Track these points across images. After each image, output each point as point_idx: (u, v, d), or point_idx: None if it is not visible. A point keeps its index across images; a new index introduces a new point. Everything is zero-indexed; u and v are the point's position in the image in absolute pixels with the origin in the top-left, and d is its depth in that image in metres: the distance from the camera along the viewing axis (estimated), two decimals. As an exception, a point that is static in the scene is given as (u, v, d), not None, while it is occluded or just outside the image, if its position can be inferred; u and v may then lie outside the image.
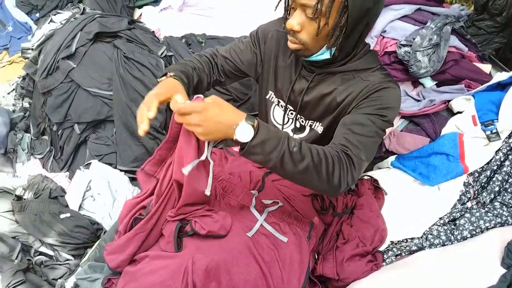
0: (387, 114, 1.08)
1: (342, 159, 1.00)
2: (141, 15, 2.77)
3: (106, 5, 2.64)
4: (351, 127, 1.06)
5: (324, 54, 1.10)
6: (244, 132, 0.89)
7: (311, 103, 1.23)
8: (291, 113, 1.31)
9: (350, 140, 1.04)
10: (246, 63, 1.34)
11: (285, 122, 1.34)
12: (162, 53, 2.02)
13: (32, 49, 2.36)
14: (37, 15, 3.38)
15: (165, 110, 1.93)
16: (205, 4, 2.49)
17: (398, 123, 1.74)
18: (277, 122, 1.38)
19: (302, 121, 1.30)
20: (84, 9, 2.26)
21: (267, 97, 1.36)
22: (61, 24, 2.28)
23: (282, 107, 1.32)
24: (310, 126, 1.29)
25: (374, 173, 1.63)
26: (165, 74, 1.17)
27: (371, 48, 1.66)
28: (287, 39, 1.11)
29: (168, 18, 2.53)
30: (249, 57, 1.33)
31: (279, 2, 1.10)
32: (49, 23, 2.44)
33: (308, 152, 0.95)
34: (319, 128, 1.27)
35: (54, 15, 2.46)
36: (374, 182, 1.55)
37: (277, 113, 1.36)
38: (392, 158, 1.66)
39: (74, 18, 2.10)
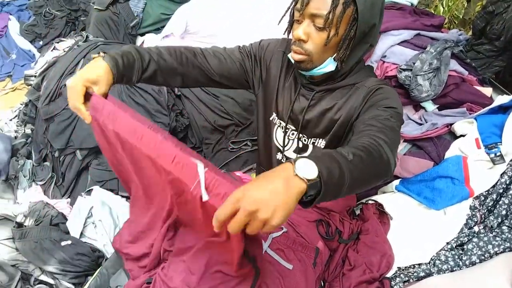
0: (395, 105, 1.05)
1: (383, 146, 0.89)
2: (143, 42, 2.80)
3: (109, 33, 2.67)
4: (369, 122, 0.99)
5: (328, 66, 1.10)
6: (306, 167, 0.71)
7: (313, 121, 1.24)
8: (292, 134, 1.31)
9: (377, 130, 0.94)
10: (224, 71, 1.27)
11: (286, 144, 1.34)
12: (165, 79, 2.04)
13: (35, 76, 2.39)
14: (41, 43, 3.44)
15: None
16: (207, 32, 2.53)
17: (401, 147, 1.73)
18: (279, 144, 1.37)
19: (305, 140, 1.30)
20: (87, 36, 2.29)
21: (270, 118, 1.35)
22: (64, 51, 2.31)
23: (283, 128, 1.32)
24: (313, 143, 1.29)
25: (379, 198, 1.62)
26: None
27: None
28: (289, 61, 1.13)
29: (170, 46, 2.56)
30: (232, 66, 1.28)
31: (284, 15, 1.11)
32: (52, 50, 2.48)
33: (357, 151, 0.82)
34: (321, 144, 1.28)
35: (57, 42, 2.50)
36: (379, 206, 1.53)
37: (279, 135, 1.36)
38: (396, 182, 1.65)
39: (77, 46, 2.13)
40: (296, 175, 0.68)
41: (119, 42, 2.34)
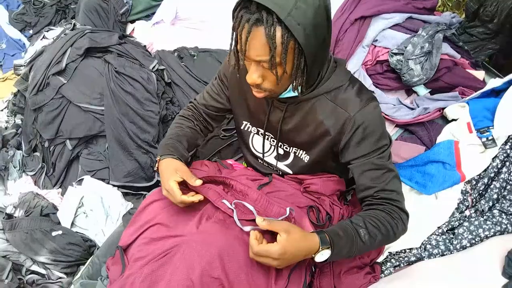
0: (383, 143, 1.14)
1: (395, 210, 1.13)
2: (133, 29, 2.77)
3: (98, 20, 2.63)
4: (373, 178, 1.13)
5: (290, 93, 1.10)
6: (323, 256, 1.02)
7: (293, 131, 1.23)
8: (273, 141, 1.31)
9: (386, 189, 1.13)
10: (224, 102, 1.37)
11: (266, 150, 1.35)
12: (154, 67, 2.01)
13: (24, 65, 2.36)
14: (31, 31, 3.39)
15: (157, 124, 1.91)
16: (197, 18, 2.50)
17: (393, 131, 1.72)
18: (257, 151, 1.38)
19: (286, 148, 1.30)
20: (74, 24, 2.25)
21: (242, 127, 1.36)
22: (53, 40, 2.28)
23: (261, 135, 1.32)
24: (295, 153, 1.30)
25: (370, 183, 1.61)
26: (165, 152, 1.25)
27: (363, 55, 1.68)
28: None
29: (161, 32, 2.53)
30: (223, 96, 1.35)
31: (229, 55, 1.09)
32: (41, 39, 2.44)
33: (374, 229, 1.08)
34: (304, 157, 1.28)
35: (47, 31, 2.47)
36: (370, 192, 1.53)
37: (256, 142, 1.37)
38: (387, 167, 1.64)
39: (64, 34, 2.10)
40: (313, 257, 1.02)
41: (108, 29, 2.30)
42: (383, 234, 1.08)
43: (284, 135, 1.25)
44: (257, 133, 1.33)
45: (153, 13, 2.69)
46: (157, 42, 2.47)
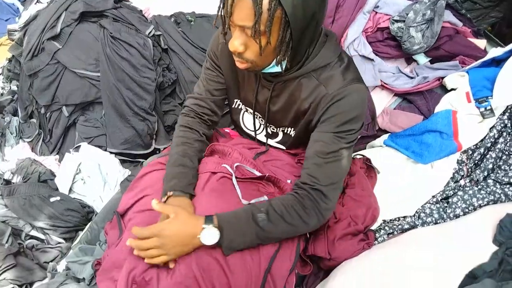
0: (351, 127, 1.08)
1: (311, 197, 1.07)
2: (129, -6, 2.71)
3: (93, -17, 2.57)
4: (318, 152, 1.08)
5: (274, 68, 1.06)
6: (210, 235, 0.97)
7: (280, 112, 1.21)
8: (261, 120, 1.29)
9: (318, 171, 1.08)
10: (223, 81, 1.31)
11: (257, 128, 1.33)
12: (150, 32, 1.98)
13: (18, 30, 2.31)
14: (24, -4, 3.32)
15: (154, 91, 1.90)
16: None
17: (392, 100, 1.72)
18: (248, 129, 1.37)
19: (273, 128, 1.29)
20: (69, -12, 2.19)
21: (233, 106, 1.34)
22: (48, 4, 2.23)
23: (250, 113, 1.30)
24: (283, 131, 1.29)
25: (367, 152, 1.62)
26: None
27: (364, 22, 1.65)
28: None
29: (158, -3, 2.48)
30: (221, 75, 1.29)
31: (216, 19, 1.02)
32: (35, 3, 2.39)
33: (276, 214, 1.04)
34: (292, 133, 1.27)
35: (41, -5, 2.41)
36: (366, 161, 1.53)
37: (247, 120, 1.35)
38: (385, 136, 1.65)
39: (58, -2, 2.05)
40: (199, 238, 0.96)
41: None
42: (287, 222, 1.04)
43: (271, 116, 1.24)
44: (247, 111, 1.32)
45: (150, -23, 2.62)
46: (154, 7, 2.42)
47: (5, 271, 1.44)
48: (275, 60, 1.01)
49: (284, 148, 1.38)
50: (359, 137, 1.71)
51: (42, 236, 1.64)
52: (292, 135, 1.28)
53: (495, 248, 1.12)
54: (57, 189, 1.76)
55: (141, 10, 2.25)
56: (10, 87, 2.36)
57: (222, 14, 0.96)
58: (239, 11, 0.90)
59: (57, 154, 1.99)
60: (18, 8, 3.29)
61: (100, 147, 1.91)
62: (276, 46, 0.95)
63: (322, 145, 1.08)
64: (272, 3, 0.87)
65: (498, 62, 1.57)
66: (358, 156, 1.57)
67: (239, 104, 1.32)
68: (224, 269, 0.99)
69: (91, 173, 1.78)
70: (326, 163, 1.07)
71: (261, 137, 1.37)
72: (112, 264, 1.05)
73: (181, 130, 1.31)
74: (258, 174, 1.23)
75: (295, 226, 1.06)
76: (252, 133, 1.37)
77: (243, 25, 0.92)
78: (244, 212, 1.03)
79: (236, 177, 1.19)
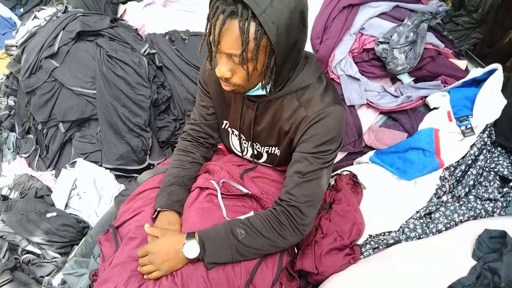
0: (328, 148, 1.13)
1: (287, 214, 1.13)
2: (125, 10, 2.76)
3: (90, 1, 2.61)
4: (297, 172, 1.14)
5: (259, 91, 1.12)
6: (191, 249, 1.06)
7: (264, 131, 1.26)
8: (245, 142, 1.35)
9: (295, 189, 1.13)
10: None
11: (243, 150, 1.39)
12: (145, 51, 2.03)
13: (16, 46, 2.36)
14: (21, 10, 3.36)
15: (149, 108, 1.95)
16: (189, 0, 2.50)
17: (377, 118, 1.77)
18: (237, 150, 1.43)
19: (258, 148, 1.35)
20: (66, 7, 2.25)
21: (223, 127, 1.39)
22: (45, 20, 2.27)
23: (236, 136, 1.36)
24: (267, 152, 1.34)
25: (353, 168, 1.67)
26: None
27: (351, 43, 1.71)
28: None
29: (152, 14, 2.54)
30: (211, 100, 1.35)
31: (201, 45, 1.04)
32: (33, 19, 2.43)
33: (254, 229, 1.11)
34: (277, 152, 1.32)
35: (38, 11, 2.45)
36: (353, 176, 1.59)
37: (235, 142, 1.41)
38: (371, 153, 1.70)
39: (56, 17, 2.10)
40: (182, 252, 1.06)
41: (99, 13, 2.29)
42: (265, 237, 1.10)
43: (256, 135, 1.29)
44: (233, 133, 1.38)
45: (145, -6, 2.68)
46: (149, 24, 2.47)
47: (1, 286, 1.47)
48: (260, 84, 1.07)
49: (271, 166, 1.43)
50: (345, 154, 1.77)
51: (38, 251, 1.67)
52: (278, 154, 1.33)
53: (473, 262, 1.16)
54: (53, 205, 1.80)
55: (136, 29, 2.31)
56: (8, 102, 2.39)
57: (209, 41, 1.00)
58: (226, 40, 0.95)
59: (53, 169, 2.03)
60: (15, 23, 3.33)
61: (95, 162, 1.95)
62: (261, 72, 1.01)
63: (301, 165, 1.14)
64: (258, 32, 0.92)
65: (478, 82, 1.64)
66: (345, 172, 1.62)
67: (227, 126, 1.38)
68: (205, 281, 1.07)
69: (87, 189, 1.82)
70: (304, 182, 1.13)
71: (248, 157, 1.43)
72: (105, 280, 1.11)
73: (176, 154, 1.39)
74: (245, 190, 1.29)
75: (273, 241, 1.12)
76: (240, 154, 1.43)
77: (231, 53, 0.97)
78: (223, 227, 1.11)
79: (222, 193, 1.26)
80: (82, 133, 2.01)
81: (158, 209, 1.22)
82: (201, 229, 1.12)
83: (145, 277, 1.07)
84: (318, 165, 1.13)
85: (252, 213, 1.22)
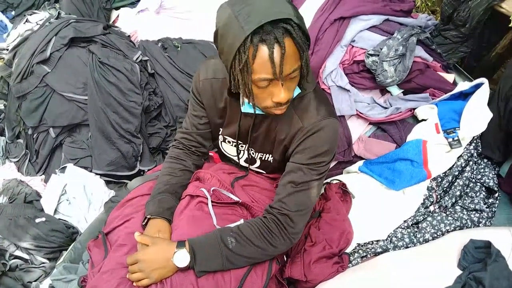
0: (322, 159, 1.15)
1: (277, 222, 1.15)
2: (118, 16, 2.77)
3: (83, 6, 2.62)
4: (290, 182, 1.16)
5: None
6: (182, 258, 1.07)
7: (260, 137, 1.28)
8: (241, 146, 1.36)
9: (288, 198, 1.15)
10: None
11: (239, 153, 1.40)
12: (137, 58, 2.04)
13: (7, 49, 2.35)
14: (13, 13, 3.33)
15: (140, 114, 1.95)
16: (182, 8, 2.51)
17: (367, 129, 1.80)
18: (230, 155, 1.44)
19: (253, 153, 1.36)
20: (59, 13, 2.25)
21: (219, 133, 1.39)
22: (37, 24, 2.27)
23: (230, 142, 1.37)
24: (260, 158, 1.36)
25: (343, 177, 1.69)
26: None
27: (341, 55, 1.74)
28: (217, 84, 1.15)
29: (145, 21, 2.54)
30: (204, 111, 1.35)
31: (247, 98, 1.02)
32: (24, 23, 2.43)
33: (244, 238, 1.12)
34: (270, 159, 1.34)
35: (30, 15, 2.45)
36: (342, 185, 1.61)
37: (227, 148, 1.42)
38: (360, 163, 1.73)
39: (49, 23, 2.10)
40: (172, 260, 1.07)
41: (91, 19, 2.30)
42: (255, 245, 1.12)
43: (253, 141, 1.31)
44: (224, 140, 1.39)
45: (138, 1, 2.68)
46: (141, 31, 2.48)
47: (-12, 291, 1.46)
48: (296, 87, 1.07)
49: (264, 172, 1.45)
50: (335, 163, 1.79)
51: (26, 256, 1.65)
52: (271, 162, 1.35)
53: (459, 272, 1.18)
54: (42, 210, 1.79)
55: (129, 35, 2.32)
56: (-3, 106, 2.39)
57: (262, 77, 0.95)
58: (288, 62, 0.93)
59: (43, 174, 2.02)
60: (6, 25, 3.30)
61: (85, 168, 1.95)
62: (305, 69, 1.01)
63: (295, 175, 1.15)
64: (301, 36, 0.93)
65: (465, 96, 1.68)
66: (335, 181, 1.64)
67: (222, 134, 1.38)
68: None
69: (77, 194, 1.81)
70: (296, 192, 1.15)
71: (242, 161, 1.44)
72: (94, 287, 1.11)
73: (168, 161, 1.39)
74: (235, 198, 1.30)
75: (263, 249, 1.13)
76: (235, 158, 1.43)
77: (293, 70, 0.96)
78: (214, 236, 1.12)
79: (212, 201, 1.27)
80: (73, 138, 2.00)
81: (148, 216, 1.22)
82: (191, 237, 1.13)
83: (134, 284, 1.07)
84: (312, 176, 1.15)
85: (242, 221, 1.23)
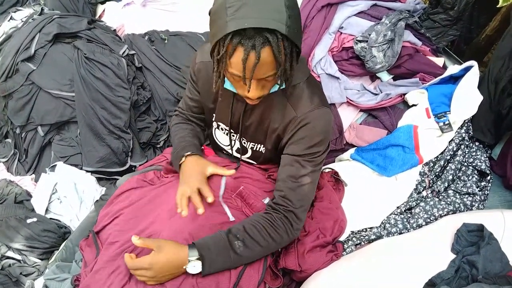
0: (318, 149, 1.16)
1: (284, 219, 1.17)
2: (104, 11, 2.73)
3: (68, 1, 2.56)
4: (290, 176, 1.16)
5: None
6: (194, 267, 1.06)
7: (252, 126, 1.27)
8: (233, 135, 1.35)
9: (291, 194, 1.16)
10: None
11: (231, 142, 1.39)
12: (124, 52, 2.01)
13: (-10, 47, 2.31)
14: (-4, 9, 3.28)
15: (129, 109, 1.93)
16: (168, 0, 2.48)
17: (358, 116, 1.79)
18: (223, 144, 1.43)
19: (245, 143, 1.35)
20: (42, 9, 2.21)
21: (212, 119, 1.38)
22: (22, 21, 2.23)
23: (223, 130, 1.36)
24: (252, 148, 1.35)
25: (335, 165, 1.69)
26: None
27: (330, 42, 1.73)
28: (211, 67, 1.12)
29: (131, 14, 2.50)
30: (199, 95, 1.36)
31: (215, 84, 1.03)
32: (9, 20, 2.38)
33: (252, 240, 1.12)
34: (262, 149, 1.33)
35: (14, 12, 2.40)
36: (334, 174, 1.60)
37: (220, 136, 1.41)
38: (351, 150, 1.72)
39: (32, 19, 2.06)
40: (185, 269, 1.06)
41: (76, 14, 2.26)
42: (262, 246, 1.14)
43: (244, 130, 1.30)
44: (218, 127, 1.38)
45: (124, -6, 2.65)
46: (128, 25, 2.45)
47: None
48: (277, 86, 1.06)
49: (255, 163, 1.44)
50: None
51: (18, 257, 1.64)
52: (263, 152, 1.34)
53: (453, 256, 1.19)
54: (33, 210, 1.77)
55: (114, 30, 2.28)
56: (-16, 106, 2.35)
57: (227, 71, 0.98)
58: (262, 68, 0.93)
59: (33, 173, 1.99)
60: (-10, 24, 3.25)
61: (76, 166, 1.93)
62: (288, 73, 1.00)
63: (293, 168, 1.16)
64: (288, 47, 0.92)
65: (455, 79, 1.67)
66: (327, 170, 1.63)
67: (215, 121, 1.37)
68: (193, 285, 1.07)
69: (67, 193, 1.80)
70: (298, 187, 1.16)
71: (234, 152, 1.43)
72: (87, 287, 1.10)
73: (176, 125, 1.43)
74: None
75: (268, 248, 1.16)
76: (227, 148, 1.42)
77: (267, 76, 0.96)
78: (222, 241, 1.11)
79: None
80: (62, 136, 1.98)
81: (187, 153, 1.25)
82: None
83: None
84: (310, 168, 1.16)
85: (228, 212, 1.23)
